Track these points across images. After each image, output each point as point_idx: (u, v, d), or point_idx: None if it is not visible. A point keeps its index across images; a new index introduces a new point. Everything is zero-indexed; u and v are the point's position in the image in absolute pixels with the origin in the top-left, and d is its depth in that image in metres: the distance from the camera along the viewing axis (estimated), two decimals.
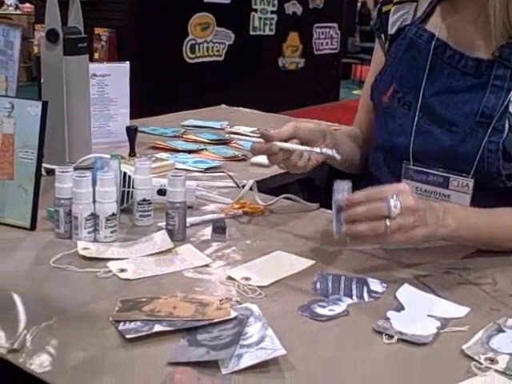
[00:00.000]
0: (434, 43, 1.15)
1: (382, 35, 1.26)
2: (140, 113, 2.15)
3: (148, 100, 4.80)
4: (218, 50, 6.22)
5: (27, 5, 8.79)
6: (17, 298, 0.85)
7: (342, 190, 0.93)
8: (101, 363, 0.71)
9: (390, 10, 1.24)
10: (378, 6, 1.28)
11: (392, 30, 1.24)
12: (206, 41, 6.09)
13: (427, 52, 1.15)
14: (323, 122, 1.23)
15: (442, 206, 0.98)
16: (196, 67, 5.96)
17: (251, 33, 6.55)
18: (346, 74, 8.47)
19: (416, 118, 1.14)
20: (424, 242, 0.98)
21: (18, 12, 9.01)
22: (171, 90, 5.27)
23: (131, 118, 1.97)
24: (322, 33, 7.51)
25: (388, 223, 0.89)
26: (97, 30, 5.50)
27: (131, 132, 1.47)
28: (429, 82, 1.14)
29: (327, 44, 7.61)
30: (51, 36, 1.37)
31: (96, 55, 5.47)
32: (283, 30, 6.93)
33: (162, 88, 5.32)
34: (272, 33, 6.80)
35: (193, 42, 5.94)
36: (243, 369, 0.70)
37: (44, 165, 1.39)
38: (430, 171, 1.13)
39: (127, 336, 0.75)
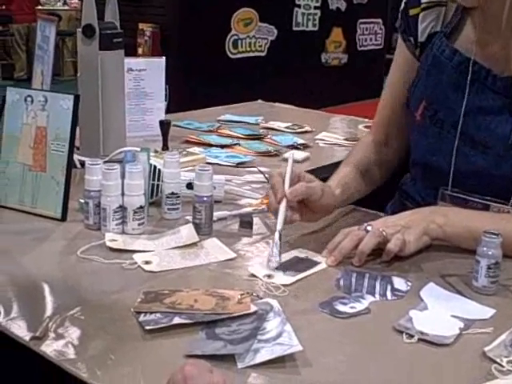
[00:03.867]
0: (455, 59, 1.10)
1: (411, 38, 1.20)
2: (182, 107, 2.16)
3: (190, 95, 4.84)
4: (260, 46, 6.21)
5: (75, 0, 8.95)
6: (44, 288, 0.87)
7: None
8: (119, 353, 0.72)
9: (417, 14, 1.18)
10: (403, 6, 1.21)
11: (422, 38, 1.18)
12: (249, 36, 6.09)
13: (451, 69, 1.11)
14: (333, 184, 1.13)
15: (428, 208, 1.05)
16: (238, 63, 5.97)
17: (294, 28, 6.52)
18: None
19: (451, 138, 1.10)
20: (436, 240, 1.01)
21: (66, 8, 9.19)
22: (213, 86, 5.29)
23: (172, 112, 1.99)
24: (366, 28, 7.43)
25: (369, 228, 0.98)
26: (141, 26, 5.56)
27: (164, 126, 1.49)
28: (457, 100, 1.09)
29: (371, 40, 7.52)
30: (87, 31, 1.40)
31: (140, 50, 5.54)
32: (326, 26, 6.88)
33: (205, 83, 5.35)
34: (315, 28, 6.76)
35: (235, 37, 5.95)
36: (259, 363, 0.70)
37: (79, 157, 1.42)
38: (469, 198, 1.09)
39: (146, 327, 0.76)
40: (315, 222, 1.10)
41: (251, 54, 6.14)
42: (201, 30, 5.50)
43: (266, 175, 1.38)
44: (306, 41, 6.61)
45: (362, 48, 7.44)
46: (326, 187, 1.08)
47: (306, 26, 6.66)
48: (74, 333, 0.76)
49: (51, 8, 8.96)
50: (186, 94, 4.76)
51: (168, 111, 1.88)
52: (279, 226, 0.98)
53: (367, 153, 1.27)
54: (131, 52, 4.92)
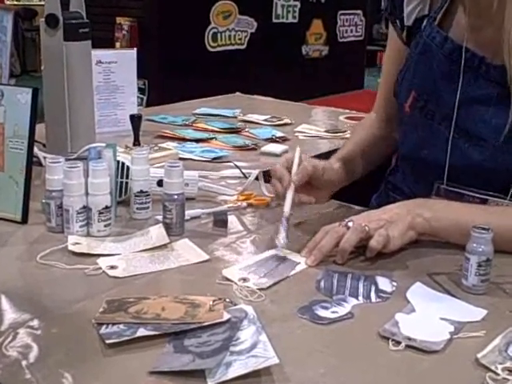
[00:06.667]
0: (446, 46, 1.04)
1: (398, 21, 1.14)
2: (161, 102, 2.09)
3: (169, 89, 4.75)
4: (240, 39, 6.13)
5: None
6: None
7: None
8: (77, 371, 0.65)
9: None
10: None
11: (409, 22, 1.12)
12: (228, 29, 6.00)
13: (442, 57, 1.05)
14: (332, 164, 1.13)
15: (414, 201, 0.98)
16: (218, 56, 5.88)
17: (274, 20, 6.44)
18: (370, 62, 8.31)
19: (444, 131, 1.05)
20: (422, 235, 0.96)
21: (43, 3, 9.03)
22: (193, 79, 5.20)
23: (152, 106, 1.91)
24: (347, 20, 7.37)
25: (350, 224, 0.92)
26: (118, 20, 5.45)
27: (135, 120, 1.41)
28: (449, 91, 1.04)
29: (352, 31, 7.47)
30: (50, 21, 1.32)
31: (117, 44, 5.42)
32: (307, 18, 6.81)
33: (184, 77, 5.25)
34: (295, 20, 6.69)
35: (215, 30, 5.86)
36: (231, 379, 0.63)
37: (45, 155, 1.34)
38: (466, 192, 1.03)
39: (107, 341, 0.69)
40: (323, 202, 1.12)
41: (231, 47, 6.05)
42: (179, 22, 5.40)
43: (243, 170, 1.31)
44: (286, 33, 6.54)
45: (343, 40, 7.38)
46: (325, 163, 1.09)
47: (285, 18, 6.58)
48: (27, 349, 0.68)
49: (27, 3, 8.80)
50: (164, 88, 4.67)
51: (147, 105, 1.81)
52: (287, 209, 0.98)
53: (370, 129, 1.26)
54: (109, 47, 4.81)
